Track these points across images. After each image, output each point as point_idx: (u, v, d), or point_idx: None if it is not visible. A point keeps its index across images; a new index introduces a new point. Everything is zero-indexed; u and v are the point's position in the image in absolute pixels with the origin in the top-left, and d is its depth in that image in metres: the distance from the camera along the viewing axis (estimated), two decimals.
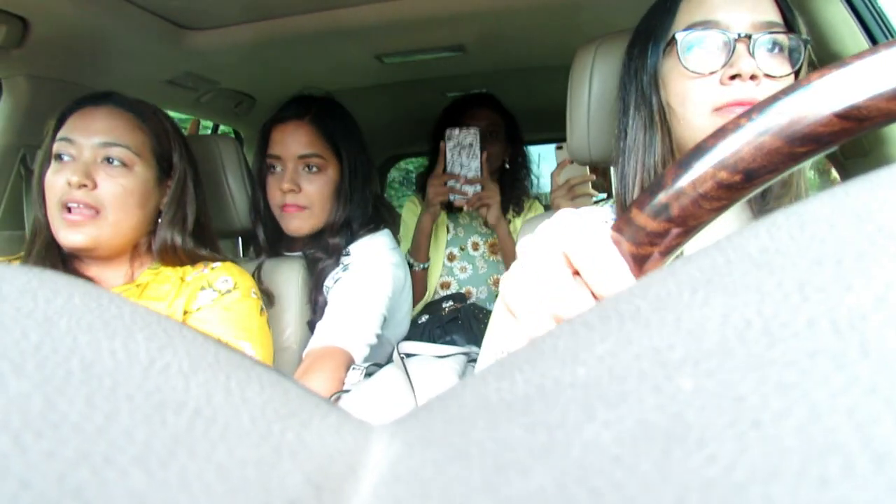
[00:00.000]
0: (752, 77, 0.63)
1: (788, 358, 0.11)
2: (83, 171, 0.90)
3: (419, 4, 1.18)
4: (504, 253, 1.55)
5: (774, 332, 0.11)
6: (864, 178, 0.15)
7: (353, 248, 1.23)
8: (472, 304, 1.52)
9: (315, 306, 1.21)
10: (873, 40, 0.95)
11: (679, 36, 0.66)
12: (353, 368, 1.06)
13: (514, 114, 1.69)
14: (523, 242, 0.35)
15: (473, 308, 1.46)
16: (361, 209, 1.26)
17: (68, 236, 0.90)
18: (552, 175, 1.46)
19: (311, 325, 1.20)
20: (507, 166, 1.65)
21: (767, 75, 0.63)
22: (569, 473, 0.10)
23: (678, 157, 0.30)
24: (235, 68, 1.44)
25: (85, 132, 0.93)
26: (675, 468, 0.09)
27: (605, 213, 0.80)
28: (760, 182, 0.28)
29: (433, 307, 1.55)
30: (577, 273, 0.32)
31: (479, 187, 1.44)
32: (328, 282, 1.21)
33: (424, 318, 1.51)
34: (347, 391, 1.00)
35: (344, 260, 1.22)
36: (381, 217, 1.33)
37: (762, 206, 0.70)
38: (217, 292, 1.01)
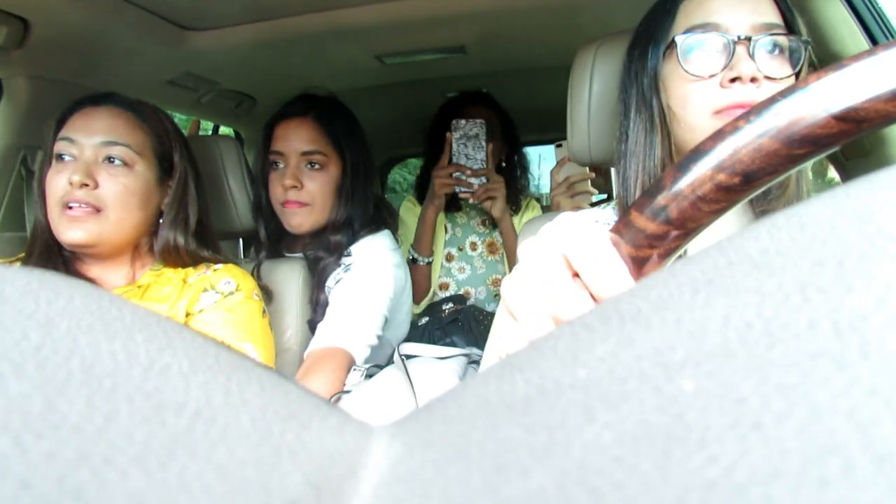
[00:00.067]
0: (753, 79, 0.62)
1: (789, 359, 0.11)
2: (84, 170, 0.90)
3: (419, 5, 1.18)
4: (507, 248, 1.54)
5: (775, 333, 0.11)
6: (865, 179, 0.15)
7: (354, 248, 1.23)
8: (472, 305, 1.52)
9: (316, 305, 1.21)
10: (873, 41, 0.95)
11: (679, 39, 0.66)
12: (355, 369, 1.06)
13: (515, 114, 1.68)
14: (525, 245, 0.35)
15: (473, 310, 1.45)
16: (362, 208, 1.27)
17: (69, 233, 0.90)
18: (552, 173, 1.45)
19: (312, 325, 1.20)
20: (504, 165, 1.65)
21: (768, 77, 0.63)
22: (569, 474, 0.10)
23: (677, 160, 0.30)
24: (236, 69, 1.44)
25: (86, 132, 0.93)
26: (676, 469, 0.09)
27: (606, 215, 0.80)
28: (759, 184, 0.28)
29: (433, 309, 1.54)
30: (577, 275, 0.32)
31: (484, 179, 1.42)
32: (330, 282, 1.21)
33: (424, 319, 1.50)
34: (348, 392, 1.00)
35: (345, 260, 1.22)
36: (381, 218, 1.33)
37: (763, 208, 0.70)
38: (220, 294, 1.01)
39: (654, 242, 0.30)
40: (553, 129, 1.85)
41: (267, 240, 1.29)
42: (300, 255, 1.30)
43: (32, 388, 0.11)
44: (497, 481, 0.11)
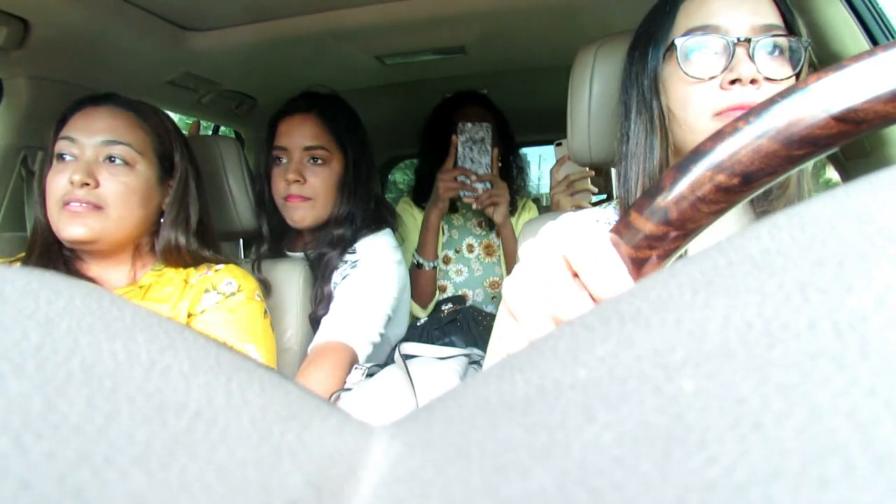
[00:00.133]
0: (753, 81, 0.62)
1: (789, 359, 0.11)
2: (85, 169, 0.90)
3: (419, 5, 1.18)
4: (507, 254, 1.54)
5: (775, 333, 0.11)
6: (865, 179, 0.15)
7: (359, 246, 1.25)
8: (472, 306, 1.51)
9: (319, 300, 1.22)
10: (874, 41, 0.95)
11: (678, 41, 0.66)
12: (356, 368, 1.06)
13: (515, 115, 1.68)
14: (525, 246, 0.35)
15: (472, 310, 1.44)
16: (364, 203, 1.28)
17: (70, 229, 0.90)
18: (551, 171, 1.45)
19: (315, 320, 1.21)
20: (500, 164, 1.64)
21: (768, 78, 0.63)
22: (569, 474, 0.10)
23: (676, 161, 0.30)
24: (236, 69, 1.44)
25: (86, 131, 0.93)
26: (676, 469, 0.09)
27: (608, 214, 0.80)
28: (758, 185, 0.28)
29: (432, 309, 1.54)
30: (577, 275, 0.32)
31: (488, 184, 1.40)
32: (336, 277, 1.22)
33: (423, 319, 1.50)
34: (349, 389, 1.00)
35: (351, 258, 1.23)
36: (382, 216, 1.34)
37: (764, 208, 0.70)
38: (221, 295, 1.01)
39: (653, 243, 0.30)
40: (553, 130, 1.84)
41: (269, 234, 1.30)
42: (301, 254, 1.31)
43: (33, 388, 0.11)
44: (497, 481, 0.11)
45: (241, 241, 1.47)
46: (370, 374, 1.03)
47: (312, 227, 1.26)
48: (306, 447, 0.13)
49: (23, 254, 1.00)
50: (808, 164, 0.29)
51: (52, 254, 0.96)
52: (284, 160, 1.24)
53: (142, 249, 1.02)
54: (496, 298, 1.60)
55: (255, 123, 1.85)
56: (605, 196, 1.57)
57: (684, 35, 0.66)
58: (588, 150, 0.91)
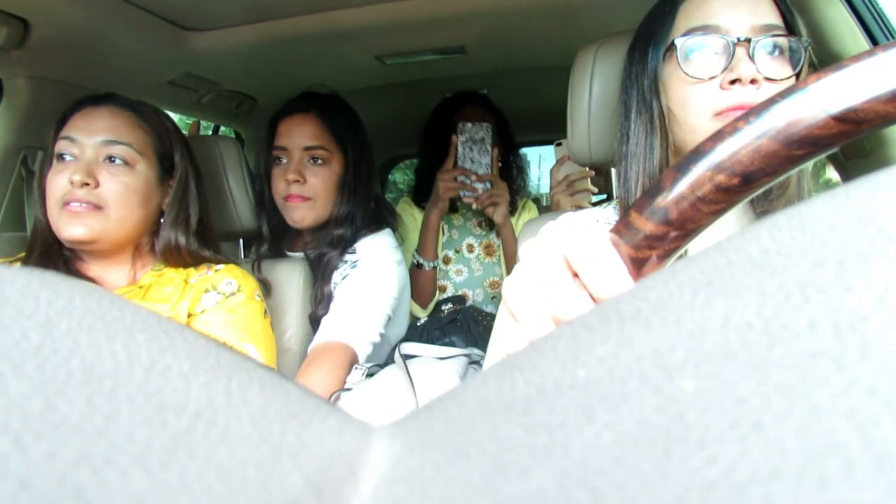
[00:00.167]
0: (752, 81, 0.62)
1: (789, 359, 0.11)
2: (85, 169, 0.90)
3: (419, 5, 1.18)
4: (507, 254, 1.53)
5: (775, 333, 0.11)
6: (865, 179, 0.15)
7: (358, 246, 1.25)
8: (471, 306, 1.51)
9: (320, 300, 1.22)
10: (874, 41, 0.95)
11: (678, 41, 0.66)
12: (356, 368, 1.07)
13: (515, 115, 1.68)
14: (526, 245, 0.35)
15: (472, 310, 1.44)
16: (364, 203, 1.29)
17: (70, 229, 0.90)
18: (551, 171, 1.45)
19: (315, 320, 1.21)
20: (500, 164, 1.64)
21: (768, 78, 0.63)
22: (569, 474, 0.10)
23: (676, 161, 0.30)
24: (236, 69, 1.44)
25: (87, 131, 0.93)
26: (676, 469, 0.09)
27: (608, 214, 0.80)
28: (758, 185, 0.28)
29: (432, 309, 1.54)
30: (577, 275, 0.32)
31: (488, 185, 1.40)
32: (336, 277, 1.23)
33: (423, 319, 1.50)
34: (349, 389, 1.00)
35: (351, 258, 1.24)
36: (382, 216, 1.34)
37: (764, 208, 0.70)
38: (221, 295, 1.01)
39: (653, 243, 0.30)
40: (553, 130, 1.84)
41: (269, 234, 1.30)
42: (301, 254, 1.31)
43: (33, 388, 0.11)
44: (497, 481, 0.11)
45: (241, 241, 1.47)
46: (370, 374, 1.03)
47: (312, 226, 1.26)
48: (306, 447, 0.13)
49: (23, 254, 1.00)
50: (809, 165, 0.29)
51: (52, 254, 0.96)
52: (284, 160, 1.25)
53: (142, 249, 1.02)
54: (496, 298, 1.59)
55: (255, 123, 1.85)
56: (605, 196, 1.57)
57: (684, 35, 0.66)
58: (588, 150, 0.91)
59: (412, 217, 1.62)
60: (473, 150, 1.39)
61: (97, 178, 0.91)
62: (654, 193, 0.30)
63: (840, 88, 0.26)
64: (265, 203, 1.29)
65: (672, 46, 0.67)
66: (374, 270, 1.21)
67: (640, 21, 0.77)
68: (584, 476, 0.10)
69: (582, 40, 0.92)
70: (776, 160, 0.27)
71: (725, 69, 0.63)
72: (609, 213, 0.80)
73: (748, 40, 0.63)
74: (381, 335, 1.17)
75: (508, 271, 1.53)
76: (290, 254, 1.35)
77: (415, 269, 1.48)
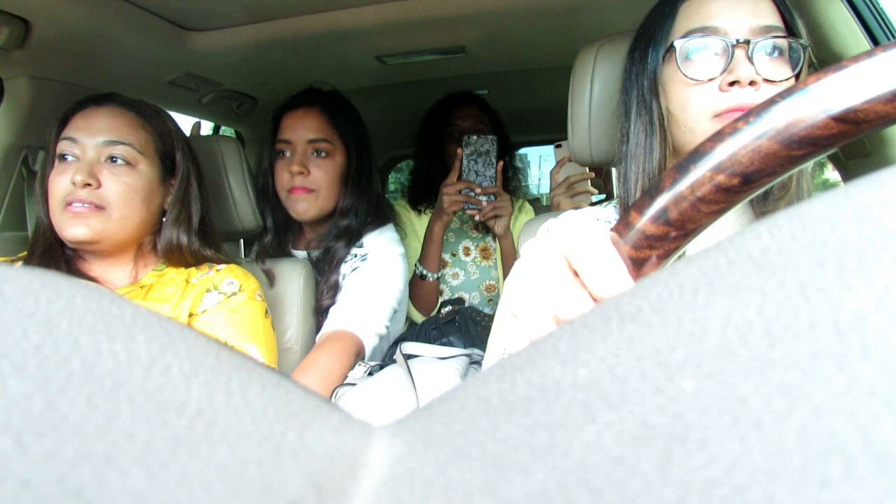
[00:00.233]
0: (752, 83, 0.62)
1: (790, 359, 0.11)
2: (87, 170, 0.90)
3: (420, 5, 1.18)
4: (505, 264, 1.52)
5: (776, 333, 0.11)
6: (866, 179, 0.15)
7: (366, 240, 1.28)
8: (470, 306, 1.50)
9: (325, 290, 1.24)
10: (875, 41, 0.95)
11: (678, 43, 0.66)
12: (359, 364, 1.07)
13: (515, 115, 1.67)
14: (527, 245, 0.35)
15: (470, 311, 1.43)
16: (367, 196, 1.31)
17: (72, 229, 0.90)
18: (551, 173, 1.45)
19: (318, 311, 1.23)
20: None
21: (767, 80, 0.63)
22: (570, 474, 0.10)
23: (677, 161, 0.30)
24: (237, 69, 1.44)
25: (88, 132, 0.93)
26: (677, 469, 0.09)
27: (608, 213, 0.80)
28: (758, 185, 0.28)
29: None
30: (577, 274, 0.32)
31: (492, 197, 1.39)
32: (345, 269, 1.25)
33: (421, 319, 1.50)
34: (353, 384, 1.00)
35: (360, 251, 1.26)
36: (383, 211, 1.37)
37: (764, 209, 0.70)
38: (222, 294, 1.01)
39: (653, 243, 0.30)
40: (553, 130, 1.84)
41: (273, 227, 1.32)
42: (304, 252, 1.33)
43: (33, 388, 0.11)
44: (498, 481, 0.11)
45: (242, 241, 1.47)
46: (370, 374, 1.04)
47: (316, 218, 1.29)
48: (307, 446, 0.13)
49: (24, 253, 1.01)
50: (809, 165, 0.29)
51: (54, 253, 0.96)
52: (288, 153, 1.27)
53: (144, 249, 1.02)
54: (492, 301, 1.59)
55: (255, 123, 1.85)
56: (604, 196, 1.57)
57: (683, 37, 0.66)
58: (589, 150, 0.91)
59: (409, 221, 1.61)
60: (478, 163, 1.39)
61: (99, 179, 0.91)
62: (654, 193, 0.30)
63: (840, 89, 0.26)
64: (269, 197, 1.31)
65: (671, 48, 0.67)
66: (382, 263, 1.24)
67: (640, 21, 0.77)
68: (584, 475, 0.10)
69: (582, 41, 0.92)
70: (776, 160, 0.27)
71: (724, 71, 0.63)
72: (609, 212, 0.80)
73: (747, 42, 0.63)
74: (388, 328, 1.20)
75: (505, 278, 1.52)
76: (293, 251, 1.37)
77: (417, 280, 1.47)
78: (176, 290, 1.00)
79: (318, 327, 1.20)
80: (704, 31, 0.65)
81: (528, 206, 1.67)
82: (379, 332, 1.16)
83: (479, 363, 1.05)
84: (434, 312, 1.53)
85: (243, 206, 1.27)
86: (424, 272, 1.48)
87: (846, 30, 0.95)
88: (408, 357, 1.01)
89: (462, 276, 1.59)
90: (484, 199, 1.39)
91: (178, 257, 1.02)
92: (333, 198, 1.28)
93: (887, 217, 0.13)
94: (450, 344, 1.26)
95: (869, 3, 0.97)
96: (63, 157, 0.93)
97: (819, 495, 0.08)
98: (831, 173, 1.12)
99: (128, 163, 0.94)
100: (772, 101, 0.27)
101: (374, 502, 0.12)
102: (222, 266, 1.05)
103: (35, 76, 1.13)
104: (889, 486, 0.08)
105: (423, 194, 1.63)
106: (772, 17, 0.65)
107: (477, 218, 1.43)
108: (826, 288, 0.12)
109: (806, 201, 0.15)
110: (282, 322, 1.21)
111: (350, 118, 1.31)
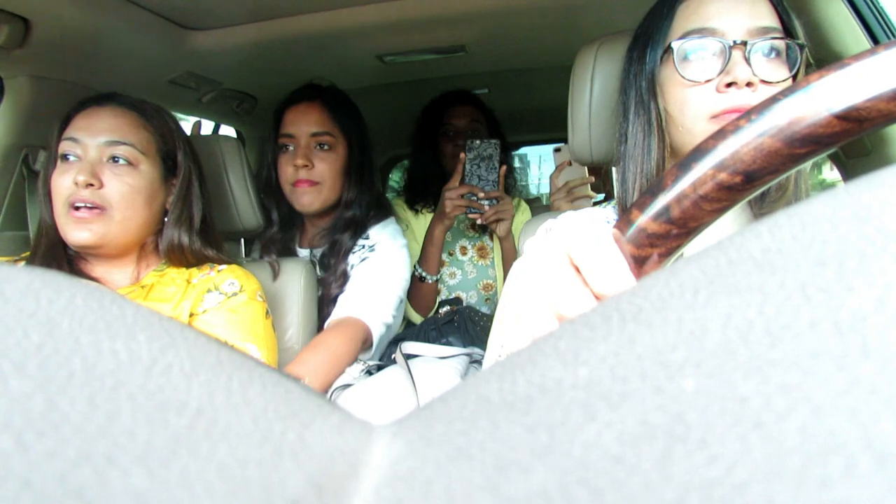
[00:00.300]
0: (749, 84, 0.62)
1: (790, 359, 0.11)
2: (89, 170, 0.90)
3: (420, 5, 1.18)
4: (505, 266, 1.52)
5: (776, 332, 0.11)
6: (866, 178, 0.15)
7: (372, 232, 1.31)
8: (468, 306, 1.50)
9: (332, 279, 1.26)
10: (875, 40, 0.94)
11: (675, 44, 0.66)
12: (358, 361, 1.08)
13: (515, 114, 1.67)
14: (529, 244, 0.35)
15: (469, 311, 1.43)
16: (369, 189, 1.34)
17: (76, 234, 0.90)
18: (551, 178, 1.45)
19: (326, 300, 1.26)
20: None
21: (764, 81, 0.63)
22: (570, 473, 0.10)
23: (679, 159, 0.30)
24: (237, 68, 1.44)
25: (90, 132, 0.93)
26: (677, 468, 0.09)
27: (607, 213, 0.80)
28: (761, 183, 0.28)
29: None
30: (579, 272, 0.32)
31: (494, 201, 1.39)
32: (354, 259, 1.28)
33: (420, 319, 1.49)
34: (350, 384, 1.00)
35: (366, 242, 1.29)
36: (385, 207, 1.40)
37: (762, 210, 0.70)
38: (223, 295, 1.01)
39: (655, 241, 0.30)
40: (553, 129, 1.84)
41: (279, 220, 1.34)
42: (307, 251, 1.35)
43: (34, 388, 0.11)
44: (498, 480, 0.11)
45: (243, 240, 1.47)
46: (369, 373, 1.04)
47: (320, 211, 1.30)
48: (307, 446, 0.13)
49: (27, 253, 1.01)
50: (807, 165, 0.29)
51: (57, 253, 0.97)
52: (291, 147, 1.29)
53: (146, 249, 1.02)
54: (490, 301, 1.59)
55: (256, 123, 1.84)
56: (603, 196, 1.57)
57: (681, 38, 0.66)
58: (589, 150, 0.91)
59: (406, 221, 1.61)
60: (481, 167, 1.39)
61: (101, 179, 0.91)
62: (655, 191, 0.30)
63: (842, 87, 0.26)
64: (273, 192, 1.33)
65: (669, 49, 0.67)
66: (389, 254, 1.26)
67: (640, 21, 0.77)
68: (585, 475, 0.10)
69: (582, 40, 0.92)
70: (778, 158, 0.27)
71: (721, 72, 0.63)
72: (609, 212, 0.80)
73: (744, 43, 0.63)
74: (394, 317, 1.22)
75: (505, 278, 1.51)
76: (298, 249, 1.39)
77: (416, 282, 1.47)
78: (177, 290, 1.00)
79: (325, 319, 1.22)
80: (702, 32, 0.65)
81: (524, 205, 1.67)
82: (386, 320, 1.18)
83: (479, 362, 1.05)
84: (432, 312, 1.53)
85: (244, 206, 1.27)
86: (424, 274, 1.47)
87: (846, 29, 0.95)
88: (408, 357, 1.01)
89: (459, 276, 1.58)
90: (486, 202, 1.39)
91: (180, 257, 1.02)
92: (337, 190, 1.30)
93: (887, 217, 0.13)
94: (449, 344, 1.26)
95: (869, 2, 0.96)
96: (65, 157, 0.93)
97: (819, 495, 0.08)
98: (829, 173, 1.12)
99: (130, 163, 0.94)
100: (774, 99, 0.27)
101: (374, 501, 0.12)
102: (223, 266, 1.05)
103: (35, 75, 1.13)
104: (889, 486, 0.08)
105: (420, 194, 1.63)
106: (769, 19, 0.65)
107: (479, 222, 1.43)
108: (826, 287, 0.12)
109: (806, 201, 0.15)
110: (282, 322, 1.21)
111: (350, 113, 1.34)
